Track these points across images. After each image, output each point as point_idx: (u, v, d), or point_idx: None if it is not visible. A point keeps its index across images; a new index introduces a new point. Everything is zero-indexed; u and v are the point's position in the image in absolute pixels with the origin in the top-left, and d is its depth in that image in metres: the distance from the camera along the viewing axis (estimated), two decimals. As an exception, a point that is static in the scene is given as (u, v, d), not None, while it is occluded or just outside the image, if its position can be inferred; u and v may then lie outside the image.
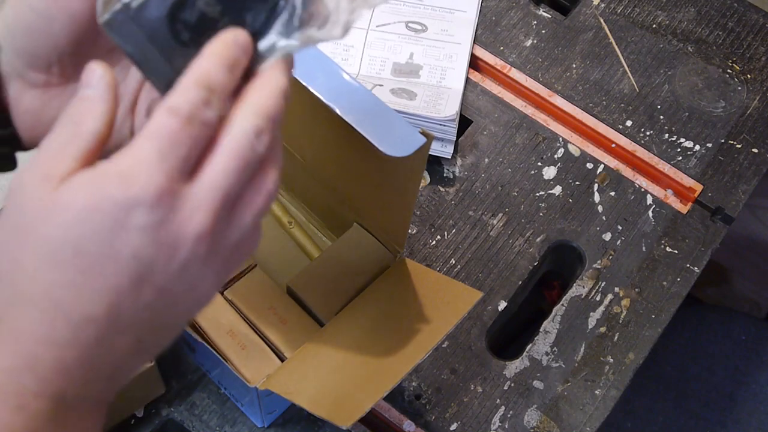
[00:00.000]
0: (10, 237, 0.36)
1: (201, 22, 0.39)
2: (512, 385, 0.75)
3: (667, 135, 0.87)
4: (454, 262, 0.80)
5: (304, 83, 0.53)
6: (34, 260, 0.35)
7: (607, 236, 0.82)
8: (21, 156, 0.48)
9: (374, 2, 0.39)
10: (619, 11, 0.94)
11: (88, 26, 0.42)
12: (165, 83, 0.39)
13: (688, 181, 0.85)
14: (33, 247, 0.35)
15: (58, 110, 0.45)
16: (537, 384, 0.75)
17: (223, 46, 0.38)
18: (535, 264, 0.80)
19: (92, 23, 0.42)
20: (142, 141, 0.35)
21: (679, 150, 0.87)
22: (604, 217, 0.83)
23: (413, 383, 0.74)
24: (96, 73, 0.38)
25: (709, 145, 0.87)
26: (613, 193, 0.84)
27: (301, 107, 0.62)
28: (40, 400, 0.36)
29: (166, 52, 0.39)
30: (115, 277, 0.35)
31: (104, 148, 0.39)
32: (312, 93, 0.53)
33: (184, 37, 0.39)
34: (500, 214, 0.83)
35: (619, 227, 0.82)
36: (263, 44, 0.40)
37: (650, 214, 0.83)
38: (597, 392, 0.75)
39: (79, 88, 0.38)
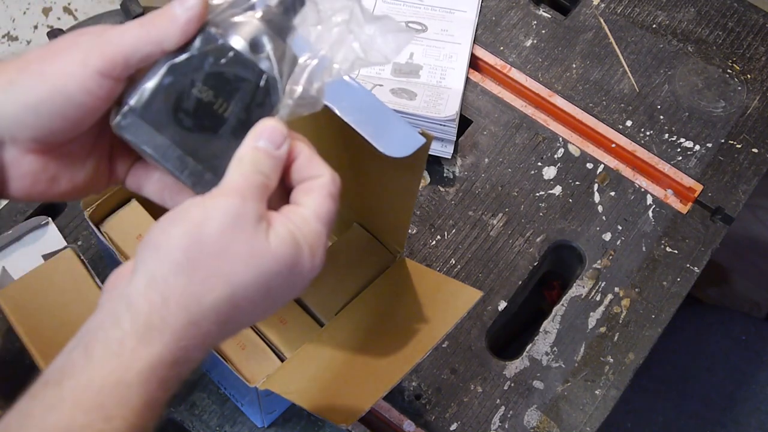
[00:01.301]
0: (219, 244, 0.42)
1: (199, 107, 0.45)
2: (512, 385, 0.75)
3: (667, 135, 0.87)
4: (454, 262, 0.80)
5: (304, 83, 0.53)
6: (229, 286, 0.43)
7: (607, 236, 0.82)
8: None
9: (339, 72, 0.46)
10: (619, 11, 0.94)
11: (105, 117, 0.47)
12: (180, 167, 0.46)
13: (688, 181, 0.85)
14: (233, 276, 0.42)
15: (56, 171, 0.48)
16: (537, 384, 0.75)
17: None
18: (535, 264, 0.80)
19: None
20: (318, 224, 0.45)
21: (679, 150, 0.87)
22: (604, 217, 0.83)
23: (413, 383, 0.74)
24: (282, 132, 0.46)
25: (709, 145, 0.87)
26: (613, 193, 0.84)
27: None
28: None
29: (174, 139, 0.45)
30: (274, 310, 0.46)
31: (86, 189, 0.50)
32: (312, 93, 0.53)
33: (187, 123, 0.46)
34: (500, 214, 0.83)
35: (619, 227, 0.82)
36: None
37: (650, 214, 0.83)
38: (597, 392, 0.75)
39: (260, 140, 0.45)
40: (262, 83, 0.46)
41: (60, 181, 0.49)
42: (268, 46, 0.46)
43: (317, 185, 0.46)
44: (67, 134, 0.46)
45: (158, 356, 0.41)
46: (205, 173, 0.46)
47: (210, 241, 0.42)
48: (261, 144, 0.45)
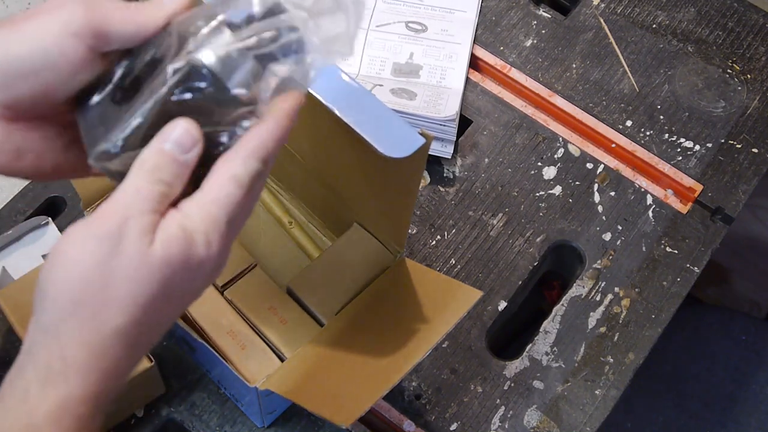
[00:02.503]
0: (101, 276, 0.41)
1: (134, 82, 0.45)
2: (512, 385, 0.75)
3: (667, 135, 0.87)
4: (454, 262, 0.80)
5: (303, 83, 0.53)
6: (123, 312, 0.42)
7: (607, 236, 0.82)
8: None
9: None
10: (619, 11, 0.94)
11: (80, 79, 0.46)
12: (90, 136, 0.45)
13: (688, 181, 0.85)
14: (125, 301, 0.41)
15: (21, 144, 0.48)
16: (537, 384, 0.75)
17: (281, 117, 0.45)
18: (535, 264, 0.80)
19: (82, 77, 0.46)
20: (213, 207, 0.43)
21: (679, 150, 0.87)
22: (604, 217, 0.83)
23: (413, 383, 0.74)
24: (192, 136, 0.43)
25: (709, 145, 0.87)
26: (613, 193, 0.84)
27: (301, 108, 0.62)
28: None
29: (100, 112, 0.45)
30: (183, 309, 0.45)
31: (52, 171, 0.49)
32: (311, 94, 0.53)
33: (117, 97, 0.45)
34: (500, 214, 0.83)
35: (619, 227, 0.82)
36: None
37: (650, 214, 0.83)
38: (597, 392, 0.75)
39: (167, 142, 0.43)
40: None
41: (25, 157, 0.48)
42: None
43: (222, 165, 0.44)
44: (35, 98, 0.45)
45: (65, 396, 0.41)
46: (99, 143, 0.45)
47: (90, 277, 0.41)
48: (167, 147, 0.43)
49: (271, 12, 0.44)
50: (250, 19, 0.44)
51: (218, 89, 0.43)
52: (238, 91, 0.43)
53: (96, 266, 0.41)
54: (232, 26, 0.44)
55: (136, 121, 0.44)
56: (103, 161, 0.45)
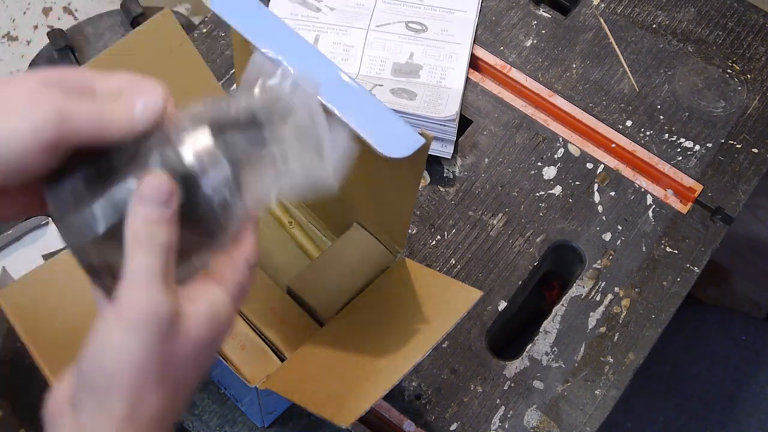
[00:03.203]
0: (160, 363, 0.42)
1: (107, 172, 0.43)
2: (512, 385, 0.75)
3: (667, 135, 0.87)
4: (454, 262, 0.80)
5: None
6: (165, 397, 0.42)
7: (607, 236, 0.82)
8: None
9: None
10: (619, 11, 0.94)
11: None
12: (79, 239, 0.42)
13: (688, 181, 0.85)
14: (167, 390, 0.42)
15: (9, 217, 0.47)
16: (537, 384, 0.75)
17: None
18: (535, 264, 0.80)
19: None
20: (225, 297, 0.46)
21: (679, 150, 0.87)
22: (604, 217, 0.83)
23: (413, 383, 0.74)
24: (164, 187, 0.41)
25: (709, 145, 0.87)
26: (613, 193, 0.84)
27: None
28: None
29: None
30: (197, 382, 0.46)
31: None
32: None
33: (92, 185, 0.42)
34: (500, 214, 0.83)
35: (619, 227, 0.82)
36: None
37: (650, 214, 0.83)
38: (597, 392, 0.75)
39: (146, 204, 0.41)
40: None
41: (4, 208, 0.46)
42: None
43: (238, 257, 0.46)
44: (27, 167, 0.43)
45: None
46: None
47: (147, 365, 0.41)
48: (150, 211, 0.41)
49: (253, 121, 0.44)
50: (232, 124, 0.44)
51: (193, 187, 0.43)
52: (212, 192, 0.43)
53: (136, 368, 0.41)
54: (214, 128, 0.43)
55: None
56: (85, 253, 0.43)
